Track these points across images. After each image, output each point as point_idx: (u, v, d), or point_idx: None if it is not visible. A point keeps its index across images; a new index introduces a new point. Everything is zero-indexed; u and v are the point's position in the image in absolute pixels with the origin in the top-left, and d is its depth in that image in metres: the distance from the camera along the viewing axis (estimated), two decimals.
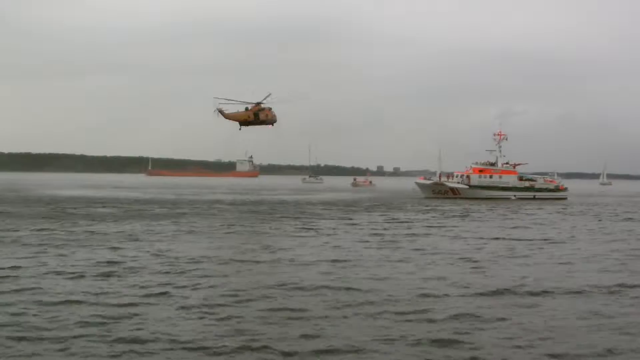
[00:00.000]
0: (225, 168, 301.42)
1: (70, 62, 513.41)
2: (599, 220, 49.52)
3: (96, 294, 17.35)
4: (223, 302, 16.75)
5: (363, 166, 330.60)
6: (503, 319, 15.39)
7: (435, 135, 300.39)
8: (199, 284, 19.18)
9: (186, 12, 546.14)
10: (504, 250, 28.90)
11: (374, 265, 23.64)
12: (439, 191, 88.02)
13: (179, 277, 20.28)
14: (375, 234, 35.14)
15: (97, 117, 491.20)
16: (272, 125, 54.82)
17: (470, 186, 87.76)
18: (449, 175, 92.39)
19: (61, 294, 17.37)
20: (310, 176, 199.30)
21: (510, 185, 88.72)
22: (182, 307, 16.09)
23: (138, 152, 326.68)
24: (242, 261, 24.27)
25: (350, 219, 46.31)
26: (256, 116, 53.46)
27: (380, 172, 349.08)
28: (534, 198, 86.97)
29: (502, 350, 12.97)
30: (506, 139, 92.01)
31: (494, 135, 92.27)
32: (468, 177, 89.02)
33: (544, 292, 18.69)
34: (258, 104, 53.49)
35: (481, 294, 18.30)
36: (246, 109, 53.64)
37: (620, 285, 20.09)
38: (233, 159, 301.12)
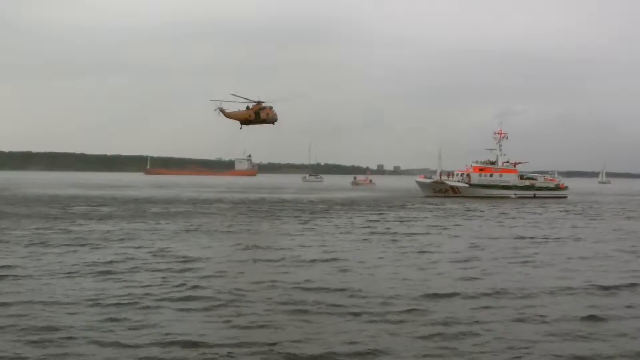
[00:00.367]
0: (223, 167, 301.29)
1: (70, 62, 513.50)
2: (606, 220, 49.41)
3: (95, 295, 17.23)
4: (223, 302, 16.66)
5: (363, 165, 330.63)
6: (506, 320, 15.33)
7: (435, 134, 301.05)
8: (199, 285, 19.06)
9: (186, 12, 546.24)
10: (506, 249, 28.82)
11: (374, 264, 23.56)
12: (440, 190, 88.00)
13: (179, 277, 20.17)
14: (375, 233, 35.07)
15: (97, 116, 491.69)
16: (273, 124, 54.94)
17: (471, 185, 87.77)
18: (449, 173, 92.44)
19: (59, 294, 17.28)
20: (310, 175, 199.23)
21: (510, 184, 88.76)
22: (182, 308, 16.01)
23: (138, 151, 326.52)
24: (241, 261, 24.24)
25: (351, 218, 46.28)
26: (257, 115, 53.57)
27: (380, 170, 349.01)
28: (535, 197, 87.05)
29: (504, 352, 12.95)
30: (507, 138, 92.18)
31: (495, 134, 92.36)
32: (468, 175, 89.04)
33: (549, 293, 18.64)
34: (259, 102, 53.58)
35: (484, 295, 18.21)
36: (247, 107, 53.74)
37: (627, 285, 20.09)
38: (233, 158, 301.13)
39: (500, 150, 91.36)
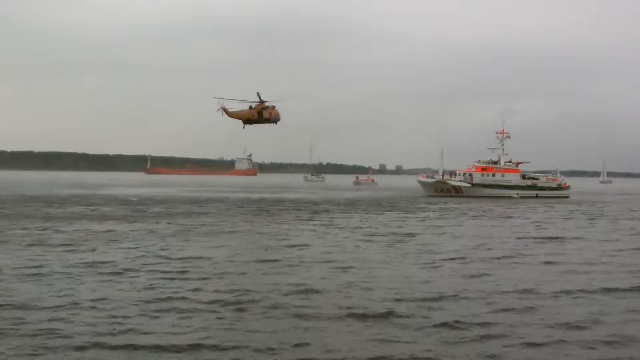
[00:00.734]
0: (223, 166, 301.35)
1: (71, 62, 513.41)
2: (613, 221, 49.23)
3: (94, 297, 17.00)
4: (224, 304, 16.39)
5: (365, 164, 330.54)
6: (514, 324, 15.08)
7: (436, 134, 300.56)
8: (198, 287, 18.82)
9: (186, 12, 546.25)
10: (509, 250, 28.54)
11: (378, 265, 23.30)
12: (442, 189, 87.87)
13: (179, 278, 19.94)
14: (378, 233, 34.79)
15: (97, 116, 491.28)
16: (276, 123, 54.81)
17: (473, 184, 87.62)
18: (452, 173, 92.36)
19: (58, 297, 17.03)
20: (312, 174, 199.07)
21: (512, 184, 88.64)
22: (182, 310, 15.73)
23: (140, 151, 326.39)
24: (241, 262, 23.94)
25: (351, 218, 46.12)
26: (260, 115, 53.43)
27: (382, 170, 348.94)
28: (537, 196, 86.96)
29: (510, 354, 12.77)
30: (509, 137, 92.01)
31: (497, 133, 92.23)
32: (471, 175, 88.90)
33: (559, 293, 18.44)
34: (262, 102, 53.44)
35: (488, 296, 17.98)
36: (250, 107, 53.60)
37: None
38: (234, 158, 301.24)
39: (503, 149, 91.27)
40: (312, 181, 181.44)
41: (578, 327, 14.76)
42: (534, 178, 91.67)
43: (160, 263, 22.97)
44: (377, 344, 13.21)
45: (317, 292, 18.11)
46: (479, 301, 17.32)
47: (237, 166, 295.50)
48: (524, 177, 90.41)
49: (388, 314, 15.52)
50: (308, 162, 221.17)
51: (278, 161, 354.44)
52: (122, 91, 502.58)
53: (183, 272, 21.12)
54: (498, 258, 25.83)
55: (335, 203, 67.47)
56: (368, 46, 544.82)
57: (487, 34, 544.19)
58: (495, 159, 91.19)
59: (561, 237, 34.41)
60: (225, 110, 52.20)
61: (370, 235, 34.04)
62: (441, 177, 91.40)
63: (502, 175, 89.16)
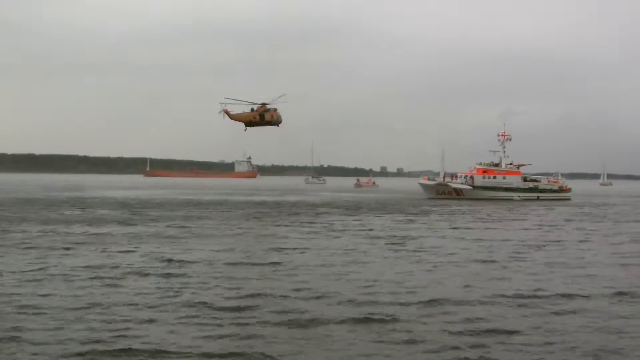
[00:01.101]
0: (223, 169, 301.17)
1: (71, 62, 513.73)
2: (615, 223, 49.07)
3: (94, 300, 16.82)
4: (224, 307, 16.20)
5: (366, 167, 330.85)
6: (519, 330, 14.84)
7: (436, 135, 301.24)
8: (198, 291, 18.61)
9: (186, 12, 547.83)
10: (513, 252, 28.38)
11: (380, 268, 23.09)
12: (443, 192, 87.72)
13: (179, 282, 19.73)
14: (379, 237, 34.55)
15: (97, 117, 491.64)
16: (278, 125, 54.75)
17: (474, 187, 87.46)
18: (453, 175, 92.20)
19: (59, 300, 16.87)
20: (313, 177, 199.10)
21: (514, 186, 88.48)
22: (182, 314, 15.53)
23: (141, 153, 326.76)
24: (242, 265, 23.74)
25: (353, 220, 45.89)
26: (262, 117, 53.37)
27: (383, 172, 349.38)
28: (538, 199, 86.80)
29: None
30: (510, 139, 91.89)
31: (498, 135, 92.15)
32: (472, 177, 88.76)
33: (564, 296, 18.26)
34: (263, 104, 53.36)
35: (492, 299, 17.74)
36: (252, 109, 53.51)
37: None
38: (234, 160, 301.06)
39: (504, 152, 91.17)
40: (312, 183, 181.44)
41: (584, 331, 14.57)
42: (535, 180, 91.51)
43: (159, 267, 22.74)
44: (379, 348, 13.01)
45: (318, 296, 17.88)
46: (481, 305, 17.09)
47: (237, 169, 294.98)
48: (525, 180, 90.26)
49: (391, 318, 15.31)
50: (309, 164, 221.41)
51: (278, 164, 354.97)
52: (122, 92, 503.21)
53: (182, 275, 20.89)
54: (499, 261, 25.63)
55: (336, 205, 67.28)
56: (369, 48, 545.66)
57: (487, 35, 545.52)
58: (496, 161, 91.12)
59: (563, 240, 34.25)
60: (227, 112, 52.11)
61: (371, 237, 33.82)
62: (442, 179, 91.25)
63: (504, 178, 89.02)
